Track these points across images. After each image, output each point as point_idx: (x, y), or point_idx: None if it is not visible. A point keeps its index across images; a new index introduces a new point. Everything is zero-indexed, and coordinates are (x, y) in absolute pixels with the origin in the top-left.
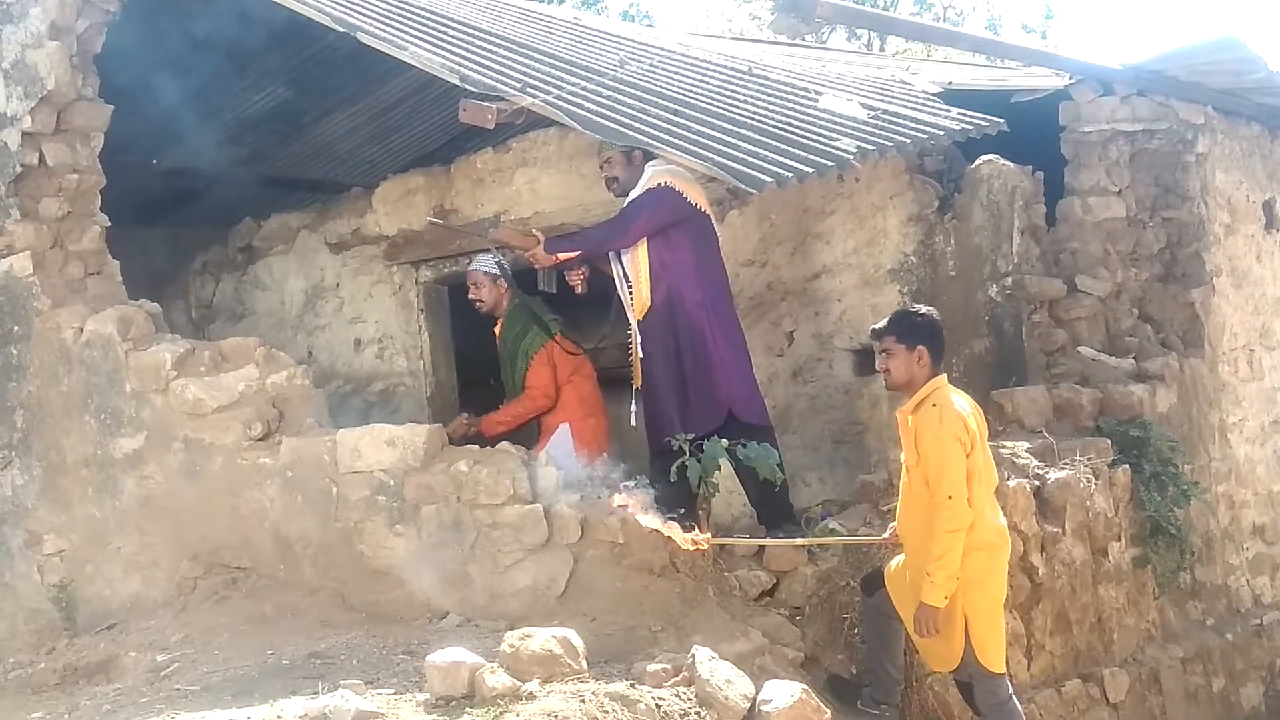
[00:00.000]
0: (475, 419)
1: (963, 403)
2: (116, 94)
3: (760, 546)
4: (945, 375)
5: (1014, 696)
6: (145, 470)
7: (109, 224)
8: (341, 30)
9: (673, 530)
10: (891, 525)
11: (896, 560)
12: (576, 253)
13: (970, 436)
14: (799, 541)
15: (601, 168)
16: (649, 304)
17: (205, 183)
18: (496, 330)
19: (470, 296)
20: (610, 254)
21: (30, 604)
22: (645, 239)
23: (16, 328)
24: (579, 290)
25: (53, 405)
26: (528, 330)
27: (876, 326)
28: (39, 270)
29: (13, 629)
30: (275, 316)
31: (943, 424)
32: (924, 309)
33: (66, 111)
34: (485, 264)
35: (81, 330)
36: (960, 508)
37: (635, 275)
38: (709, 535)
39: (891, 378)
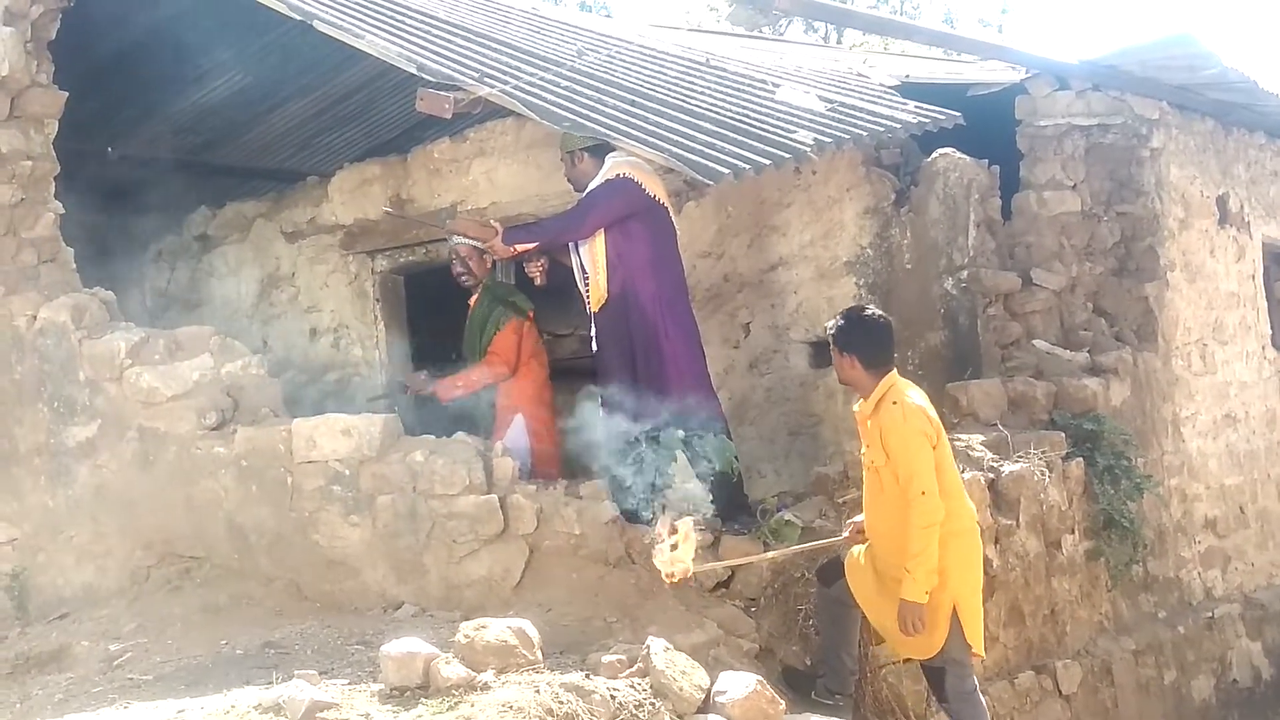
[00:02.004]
0: (431, 379)
1: (918, 395)
2: (71, 81)
3: (715, 538)
4: (895, 371)
5: (978, 686)
6: (99, 459)
7: (63, 211)
8: (298, 18)
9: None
10: (849, 522)
11: (857, 550)
12: (534, 244)
13: (935, 428)
14: (769, 555)
15: (562, 159)
16: (605, 296)
17: (160, 170)
18: (471, 302)
19: (456, 271)
20: (569, 245)
21: None
22: (603, 230)
23: None
24: (538, 282)
25: (5, 393)
26: (504, 299)
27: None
28: None
29: None
30: (230, 305)
31: (906, 421)
32: (864, 312)
33: (20, 98)
34: (467, 239)
35: (35, 318)
36: (934, 503)
37: (593, 267)
38: (686, 565)
39: (838, 378)
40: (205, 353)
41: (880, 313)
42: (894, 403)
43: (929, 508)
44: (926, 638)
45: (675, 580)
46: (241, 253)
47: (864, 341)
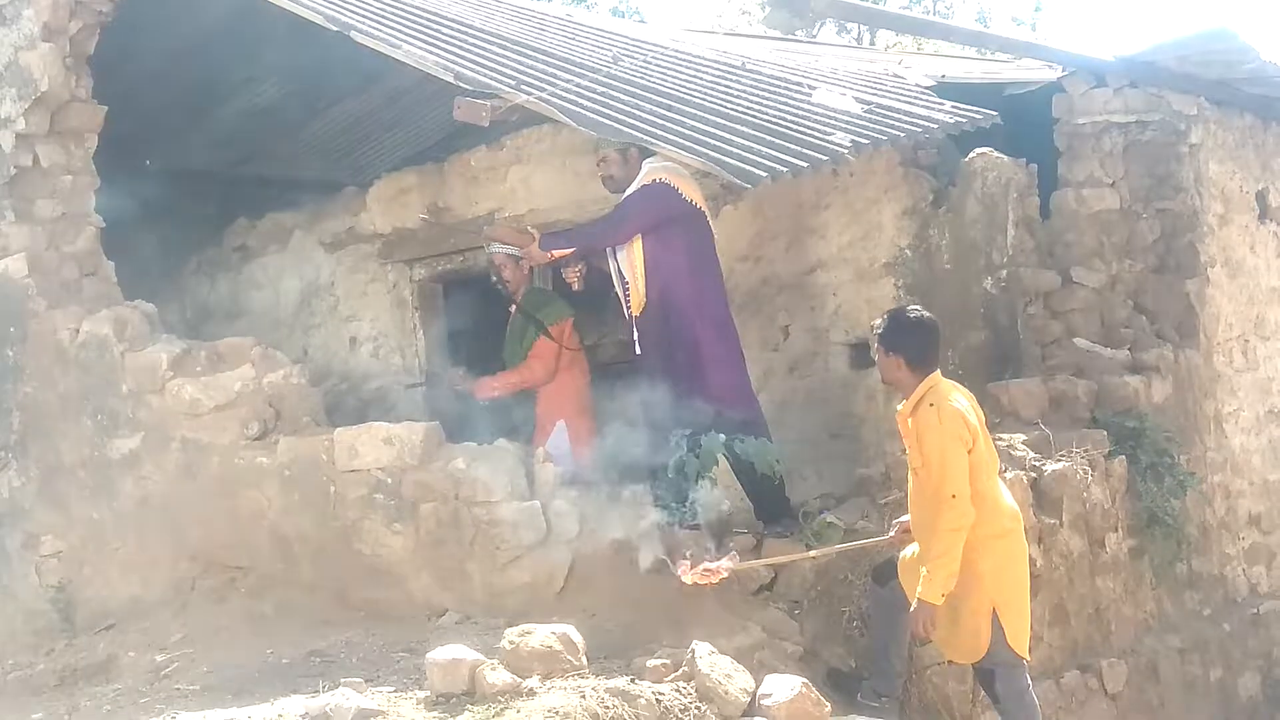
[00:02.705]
0: (470, 377)
1: (960, 398)
2: (110, 95)
3: (758, 540)
4: (938, 372)
5: (1031, 686)
6: (142, 470)
7: (103, 225)
8: (335, 29)
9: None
10: (895, 521)
11: (910, 550)
12: (571, 250)
13: (971, 432)
14: (810, 554)
15: (598, 165)
16: (645, 301)
17: (199, 183)
18: (511, 310)
19: (495, 279)
20: (607, 251)
21: (29, 605)
22: (641, 235)
23: (12, 329)
24: (575, 287)
25: (49, 407)
26: (546, 305)
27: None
28: (34, 272)
29: (11, 631)
30: (270, 316)
31: (942, 423)
32: (910, 313)
33: (60, 113)
34: (507, 247)
35: (77, 331)
36: (963, 506)
37: (631, 272)
38: (727, 563)
39: (882, 378)
40: (246, 363)
41: (926, 313)
42: (931, 405)
43: (959, 511)
44: (972, 640)
45: (707, 582)
46: (281, 263)
47: (910, 342)
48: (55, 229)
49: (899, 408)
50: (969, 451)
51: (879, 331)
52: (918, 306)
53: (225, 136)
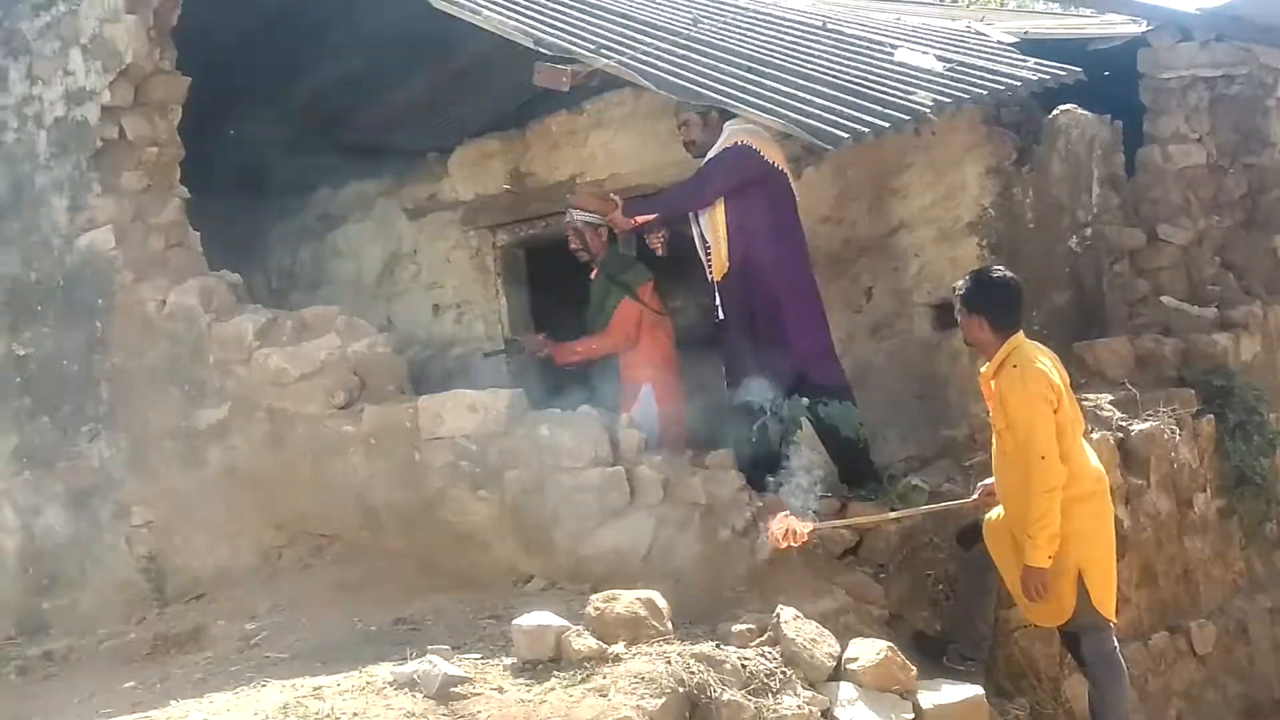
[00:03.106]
0: (550, 340)
1: (1044, 359)
2: (193, 66)
3: (843, 504)
4: (1021, 333)
5: (1118, 648)
6: (230, 440)
7: (189, 196)
8: None
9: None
10: (979, 484)
11: (995, 513)
12: (655, 215)
13: (1055, 393)
14: (892, 515)
15: (679, 130)
16: (727, 265)
17: (282, 152)
18: (591, 276)
19: (572, 247)
20: (690, 215)
21: (120, 575)
22: (723, 199)
23: (100, 301)
24: (659, 253)
25: (137, 377)
26: (626, 269)
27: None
28: (121, 244)
29: (103, 600)
30: (354, 284)
31: (1026, 385)
32: (992, 273)
33: (144, 85)
34: (585, 215)
35: (164, 302)
36: (1054, 466)
37: (714, 236)
38: (810, 525)
39: (965, 340)
40: (331, 332)
41: (1010, 273)
42: (1014, 366)
43: (1050, 471)
44: (1055, 605)
45: (786, 545)
46: (364, 231)
47: (993, 303)
48: (141, 201)
49: (982, 369)
50: (1054, 412)
51: (961, 293)
52: (1000, 267)
53: (306, 105)
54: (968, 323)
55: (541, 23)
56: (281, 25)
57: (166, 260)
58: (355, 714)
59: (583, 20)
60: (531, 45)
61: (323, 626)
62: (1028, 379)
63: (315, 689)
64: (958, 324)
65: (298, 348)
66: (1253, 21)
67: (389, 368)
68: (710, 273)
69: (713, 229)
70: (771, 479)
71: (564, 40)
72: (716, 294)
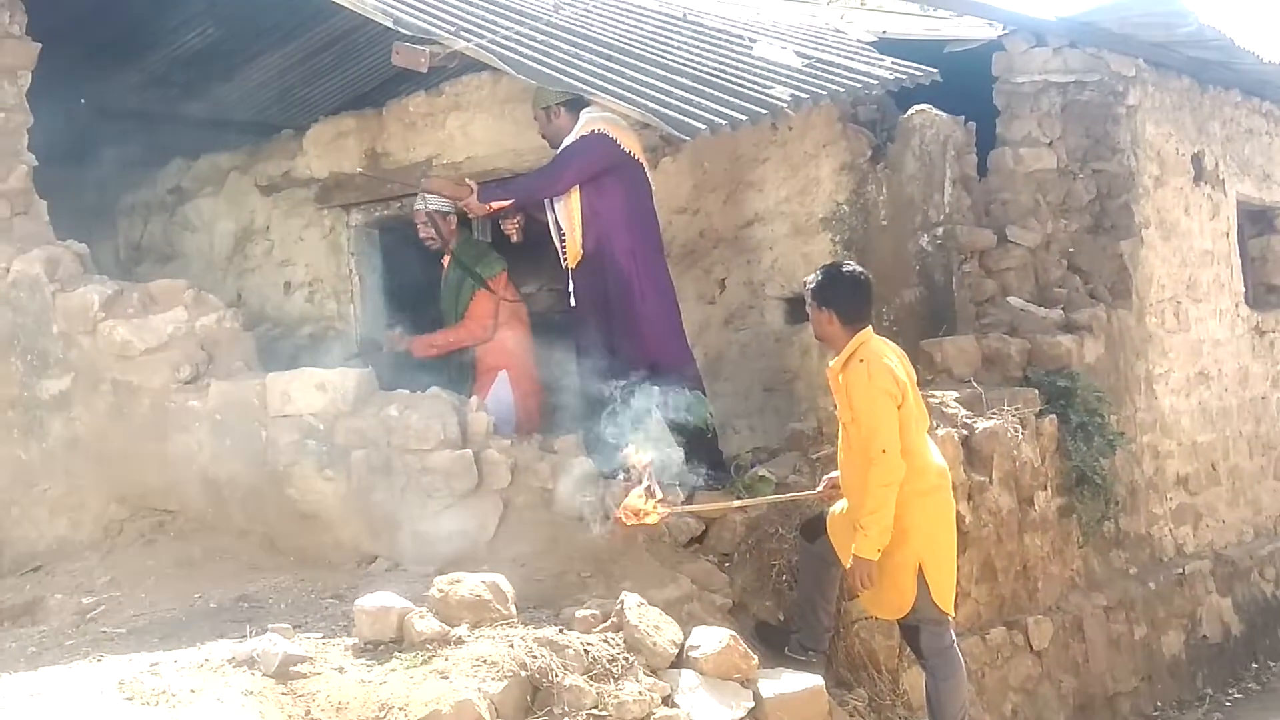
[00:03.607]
0: (406, 336)
1: (890, 354)
2: (44, 31)
3: (690, 494)
4: (870, 328)
5: (955, 642)
6: (72, 412)
7: (36, 163)
8: None
9: (627, 506)
10: (825, 477)
11: (839, 506)
12: (510, 201)
13: (900, 387)
14: (737, 504)
15: (535, 119)
16: (581, 252)
17: (134, 122)
18: (444, 262)
19: (421, 235)
20: (545, 202)
21: None
22: (579, 186)
23: None
24: (514, 239)
25: None
26: (479, 260)
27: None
28: None
29: None
30: (204, 259)
31: (871, 379)
32: (842, 268)
33: None
34: (436, 202)
35: (8, 270)
36: (894, 461)
37: (569, 223)
38: (655, 506)
39: (815, 334)
40: (179, 306)
41: (860, 268)
42: (861, 360)
43: (889, 466)
44: (897, 595)
45: (633, 523)
46: (216, 206)
47: (843, 297)
48: None
49: (830, 363)
50: (898, 407)
51: (812, 286)
52: (851, 262)
53: (161, 76)
54: (817, 316)
55: (401, 2)
56: None
57: (11, 228)
58: (192, 691)
59: (443, 2)
60: (390, 25)
61: (162, 602)
62: (873, 373)
63: (152, 665)
64: (808, 318)
65: (144, 320)
66: (1105, 29)
67: (237, 343)
68: (565, 259)
69: (567, 216)
70: (618, 464)
71: (423, 21)
72: (570, 281)
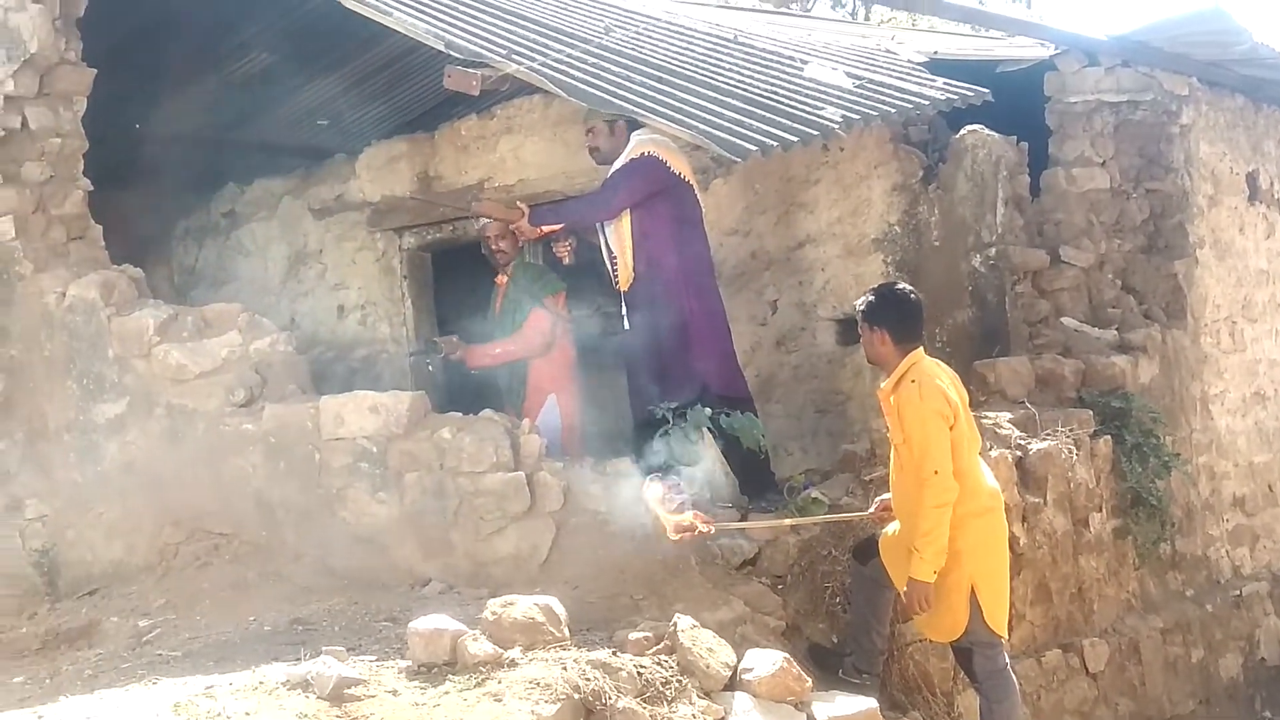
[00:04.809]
0: (463, 344)
1: (941, 375)
2: (99, 57)
3: (743, 515)
4: (922, 349)
5: (1009, 664)
6: (128, 436)
7: (92, 188)
8: None
9: (673, 518)
10: (877, 499)
11: (892, 528)
12: (561, 224)
13: (952, 408)
14: (788, 522)
15: (585, 136)
16: (633, 275)
17: (188, 147)
18: (498, 282)
19: (490, 249)
20: (596, 225)
21: (12, 569)
22: (629, 209)
23: None
24: (566, 261)
25: (35, 370)
26: (540, 277)
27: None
28: (21, 235)
29: None
30: (258, 283)
31: (923, 400)
32: (895, 288)
33: (49, 75)
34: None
35: (64, 295)
36: (946, 482)
37: (620, 246)
38: (702, 520)
39: (866, 355)
40: (233, 330)
41: (911, 289)
42: (913, 381)
43: (942, 487)
44: (949, 618)
45: (685, 535)
46: (269, 230)
47: (895, 317)
48: (43, 192)
49: (881, 385)
50: (950, 428)
51: (863, 307)
52: (903, 282)
53: (215, 101)
54: (869, 337)
55: (453, 26)
56: (190, 19)
57: (68, 252)
58: (247, 714)
59: (494, 25)
60: (442, 48)
61: (217, 625)
62: (925, 394)
63: (207, 688)
64: (860, 339)
65: (199, 344)
66: (1158, 49)
67: (291, 367)
68: (617, 282)
69: (618, 238)
70: (673, 482)
71: (475, 44)
72: (623, 303)
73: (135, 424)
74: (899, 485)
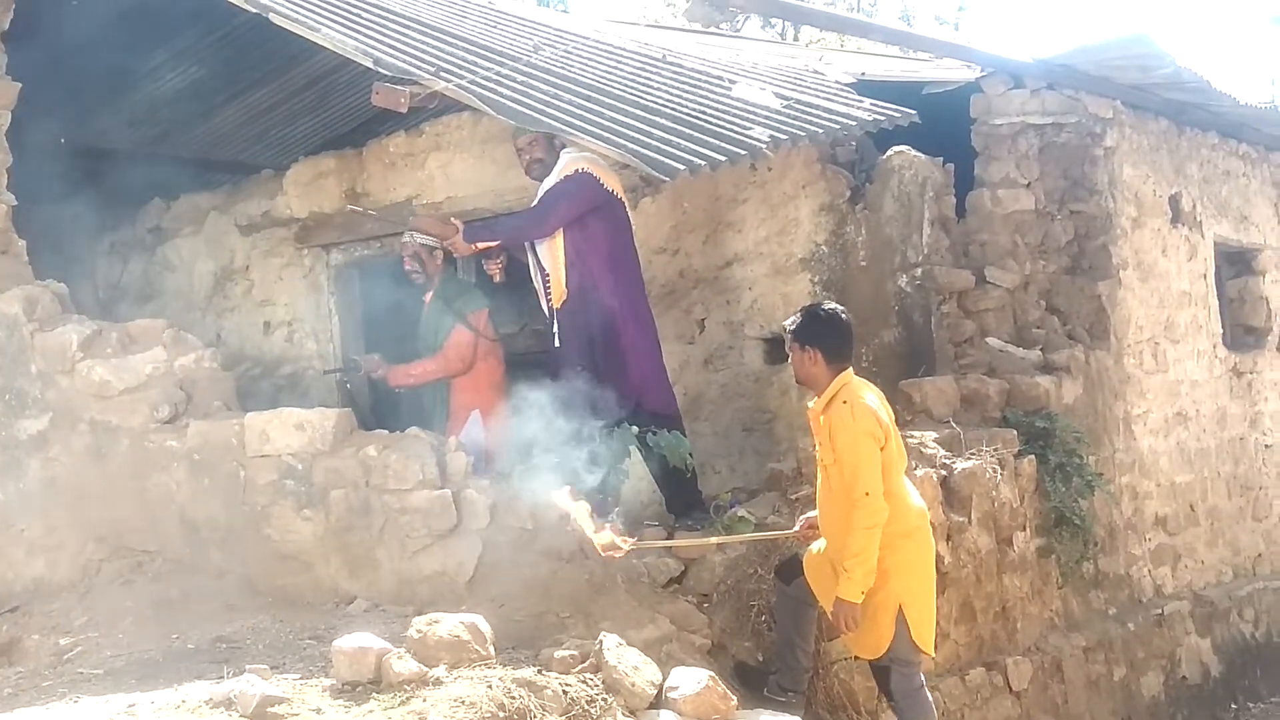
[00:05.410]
0: (385, 363)
1: (871, 395)
2: (25, 71)
3: (669, 534)
4: (851, 369)
5: (925, 685)
6: (50, 452)
7: (15, 203)
8: (254, 10)
9: (598, 536)
10: (802, 517)
11: (816, 546)
12: (496, 241)
13: (883, 429)
14: (714, 541)
15: (521, 150)
16: (566, 292)
17: (114, 162)
18: (426, 300)
19: (407, 268)
20: (525, 242)
21: None
22: (563, 227)
23: None
24: (496, 279)
25: None
26: (461, 295)
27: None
28: None
29: None
30: (184, 298)
31: (855, 421)
32: (826, 308)
33: None
34: (423, 237)
35: None
36: (877, 504)
37: (553, 263)
38: (626, 539)
39: (795, 375)
40: (158, 346)
41: (843, 309)
42: (844, 402)
43: (872, 509)
44: (873, 637)
45: (613, 553)
46: (195, 245)
47: (826, 337)
48: None
49: (810, 404)
50: (881, 449)
51: (794, 327)
52: (831, 302)
53: (141, 115)
54: (799, 356)
55: (381, 43)
56: (117, 33)
57: None
58: None
59: (423, 42)
60: (371, 65)
61: (140, 643)
62: (857, 415)
63: (129, 706)
64: (788, 358)
65: (123, 360)
66: (1083, 72)
67: (216, 383)
68: (549, 300)
69: (551, 256)
70: (597, 500)
71: (403, 61)
72: (554, 321)
73: (58, 440)
74: (826, 504)
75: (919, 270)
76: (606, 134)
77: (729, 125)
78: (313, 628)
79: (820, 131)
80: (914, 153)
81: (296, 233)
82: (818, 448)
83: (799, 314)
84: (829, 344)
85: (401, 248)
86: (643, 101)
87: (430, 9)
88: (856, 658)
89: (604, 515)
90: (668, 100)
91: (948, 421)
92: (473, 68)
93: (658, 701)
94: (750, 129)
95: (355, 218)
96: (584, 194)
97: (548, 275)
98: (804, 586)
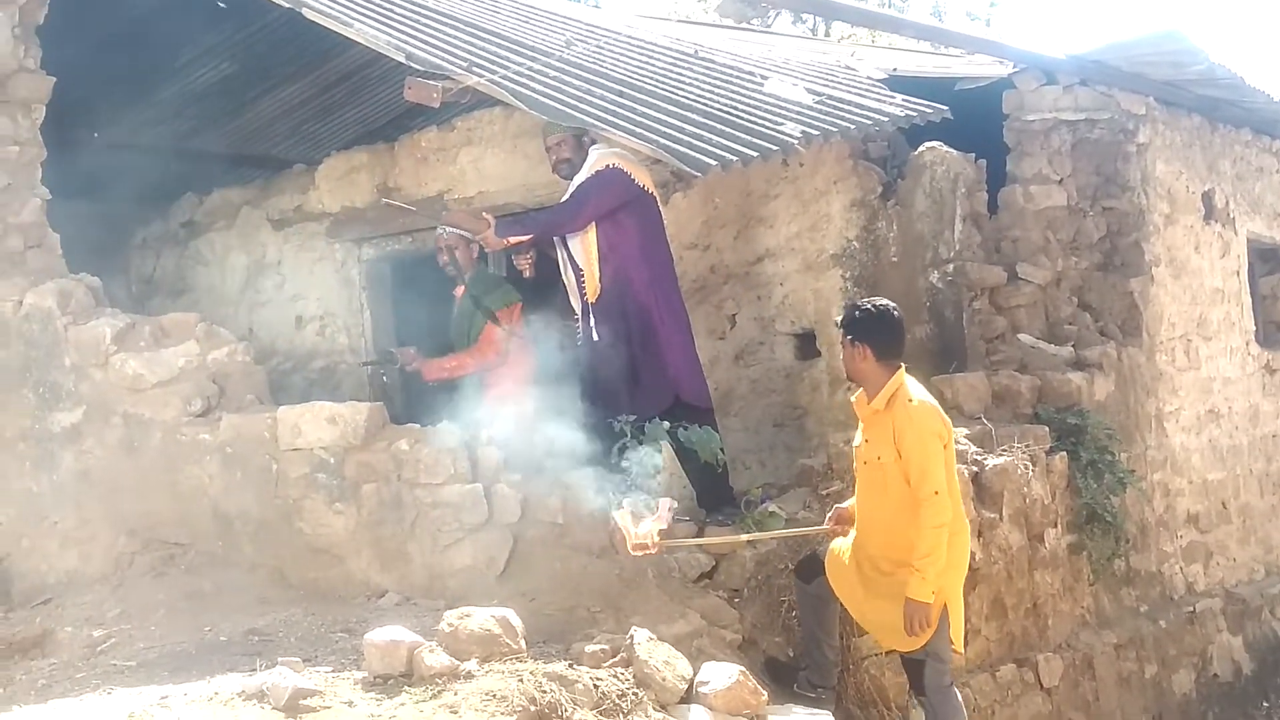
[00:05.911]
0: (420, 356)
1: (928, 395)
2: (59, 66)
3: (700, 529)
4: (904, 366)
5: (954, 682)
6: (84, 445)
7: (50, 197)
8: (287, 5)
9: (626, 531)
10: (830, 512)
11: (837, 544)
12: (528, 236)
13: (947, 429)
14: (745, 538)
15: (550, 150)
16: (600, 287)
17: (147, 156)
18: (457, 294)
19: (442, 261)
20: (556, 238)
21: None
22: (594, 222)
23: None
24: (526, 274)
25: None
26: (493, 289)
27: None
28: None
29: None
30: (216, 293)
31: (923, 420)
32: (877, 303)
33: (8, 82)
34: (457, 230)
35: (21, 303)
36: (945, 502)
37: (586, 258)
38: (655, 538)
39: (845, 370)
40: (191, 339)
41: (893, 305)
42: (910, 400)
43: (941, 507)
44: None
45: (644, 551)
46: (228, 240)
47: (877, 333)
48: (0, 200)
49: (853, 398)
50: (944, 447)
51: (847, 321)
52: (883, 299)
53: (174, 111)
54: (850, 351)
55: (414, 38)
56: (151, 28)
57: (24, 261)
58: None
59: (455, 37)
60: (403, 60)
61: (172, 635)
62: (925, 414)
63: (162, 698)
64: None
65: (156, 354)
66: (1116, 68)
67: (248, 377)
68: (583, 295)
69: (584, 251)
70: (628, 497)
71: (435, 56)
72: (590, 315)
73: (91, 433)
74: (875, 502)
75: (950, 266)
76: (638, 129)
77: (761, 120)
78: (344, 621)
79: (852, 127)
80: (946, 148)
81: (328, 227)
82: (863, 443)
83: (849, 308)
84: (879, 340)
85: (437, 240)
86: (674, 97)
87: (462, 4)
88: (889, 652)
89: (645, 515)
90: (699, 95)
91: (979, 418)
92: (505, 63)
93: (688, 696)
94: (782, 124)
95: (386, 212)
96: (615, 189)
97: (581, 271)
98: (824, 585)
